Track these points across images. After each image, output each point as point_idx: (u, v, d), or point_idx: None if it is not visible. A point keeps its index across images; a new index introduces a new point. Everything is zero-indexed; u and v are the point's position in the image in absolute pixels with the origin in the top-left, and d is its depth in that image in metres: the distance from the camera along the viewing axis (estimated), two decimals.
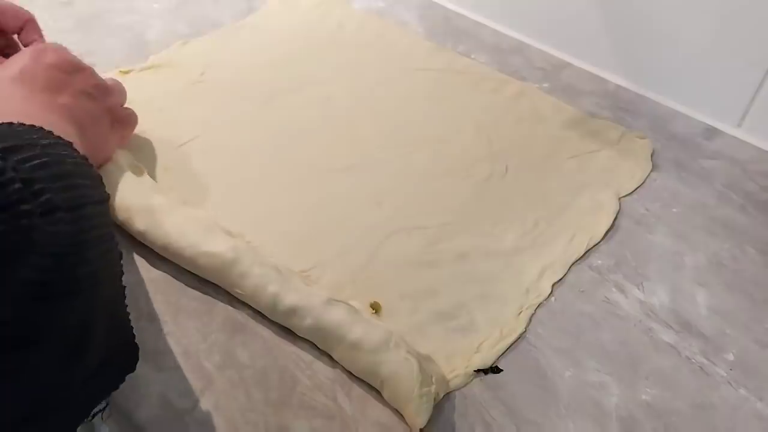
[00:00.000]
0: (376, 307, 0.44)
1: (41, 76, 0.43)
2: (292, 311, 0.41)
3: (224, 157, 0.55)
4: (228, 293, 0.44)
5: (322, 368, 0.41)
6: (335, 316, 0.41)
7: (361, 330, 0.40)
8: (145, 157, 0.53)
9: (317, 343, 0.42)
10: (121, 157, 0.49)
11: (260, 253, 0.44)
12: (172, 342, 0.41)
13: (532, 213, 0.53)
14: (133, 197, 0.46)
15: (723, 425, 0.41)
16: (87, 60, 0.63)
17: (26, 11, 0.52)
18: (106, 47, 0.66)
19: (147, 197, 0.46)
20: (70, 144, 0.34)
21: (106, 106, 0.48)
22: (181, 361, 0.41)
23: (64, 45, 0.49)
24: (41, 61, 0.44)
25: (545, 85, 0.68)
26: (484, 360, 0.43)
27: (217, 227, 0.45)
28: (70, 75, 0.46)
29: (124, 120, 0.52)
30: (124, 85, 0.52)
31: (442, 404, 0.40)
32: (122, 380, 0.35)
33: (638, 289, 0.48)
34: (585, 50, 0.70)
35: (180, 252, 0.44)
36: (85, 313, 0.30)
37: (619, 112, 0.65)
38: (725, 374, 0.44)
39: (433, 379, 0.39)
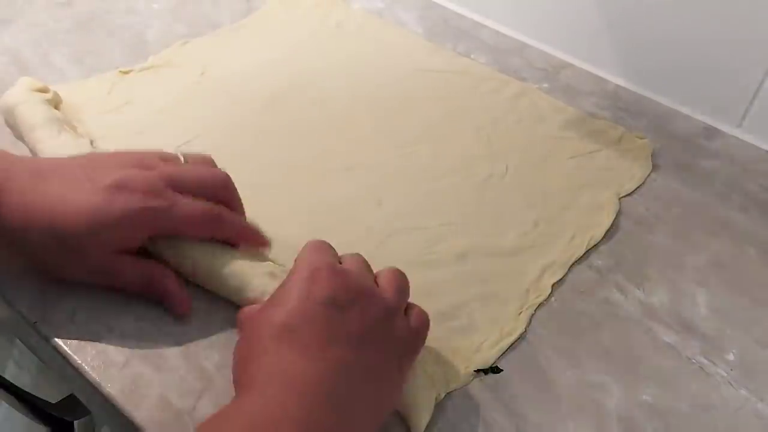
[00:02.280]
0: None
1: (308, 327, 0.33)
2: None
3: (224, 157, 0.55)
4: None
5: None
6: None
7: None
8: None
9: None
10: None
11: (257, 257, 0.44)
12: (172, 342, 0.41)
13: (532, 213, 0.53)
14: None
15: (723, 425, 0.41)
16: (87, 60, 0.64)
17: (217, 173, 0.44)
18: (105, 47, 0.66)
19: None
20: None
21: (395, 340, 0.36)
22: (181, 361, 0.41)
23: (327, 241, 0.39)
24: (312, 298, 0.34)
25: (545, 85, 0.68)
26: (484, 360, 0.42)
27: None
28: (349, 309, 0.34)
29: (414, 346, 0.38)
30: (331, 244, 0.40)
31: (442, 404, 0.40)
32: None
33: (638, 289, 0.48)
34: (585, 50, 0.70)
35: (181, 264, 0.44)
36: None
37: (619, 113, 0.65)
38: (725, 374, 0.44)
39: (435, 380, 0.39)
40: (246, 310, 0.39)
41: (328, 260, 0.37)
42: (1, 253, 0.41)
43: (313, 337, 0.33)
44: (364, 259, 0.39)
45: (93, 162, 0.42)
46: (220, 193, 0.44)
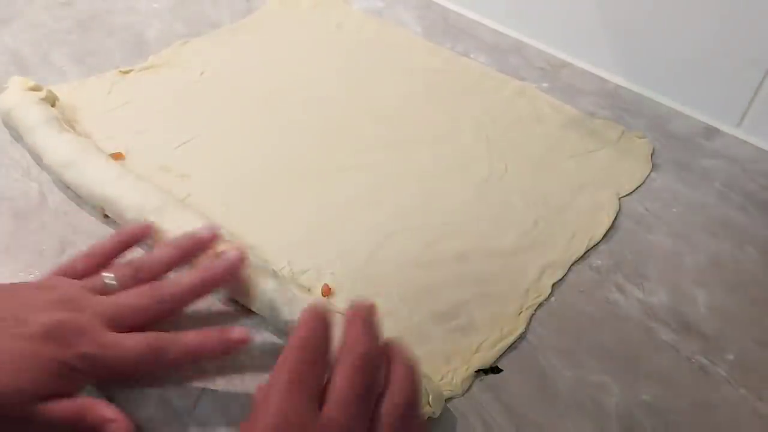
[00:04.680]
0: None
1: None
2: (287, 325, 0.41)
3: (223, 157, 0.55)
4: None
5: None
6: None
7: None
8: (144, 158, 0.53)
9: None
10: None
11: (259, 255, 0.44)
12: None
13: (531, 213, 0.53)
14: (142, 197, 0.47)
15: (723, 425, 0.41)
16: (87, 60, 0.64)
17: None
18: (105, 47, 0.66)
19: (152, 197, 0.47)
20: None
21: None
22: None
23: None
24: None
25: (544, 84, 0.68)
26: (484, 360, 0.42)
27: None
28: None
29: None
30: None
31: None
32: None
33: (638, 289, 0.48)
34: (584, 50, 0.70)
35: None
36: None
37: (619, 112, 0.65)
38: (725, 374, 0.44)
39: (430, 399, 0.38)
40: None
41: (302, 416, 0.31)
42: None
43: None
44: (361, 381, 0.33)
45: (17, 297, 0.37)
46: (168, 293, 0.39)
